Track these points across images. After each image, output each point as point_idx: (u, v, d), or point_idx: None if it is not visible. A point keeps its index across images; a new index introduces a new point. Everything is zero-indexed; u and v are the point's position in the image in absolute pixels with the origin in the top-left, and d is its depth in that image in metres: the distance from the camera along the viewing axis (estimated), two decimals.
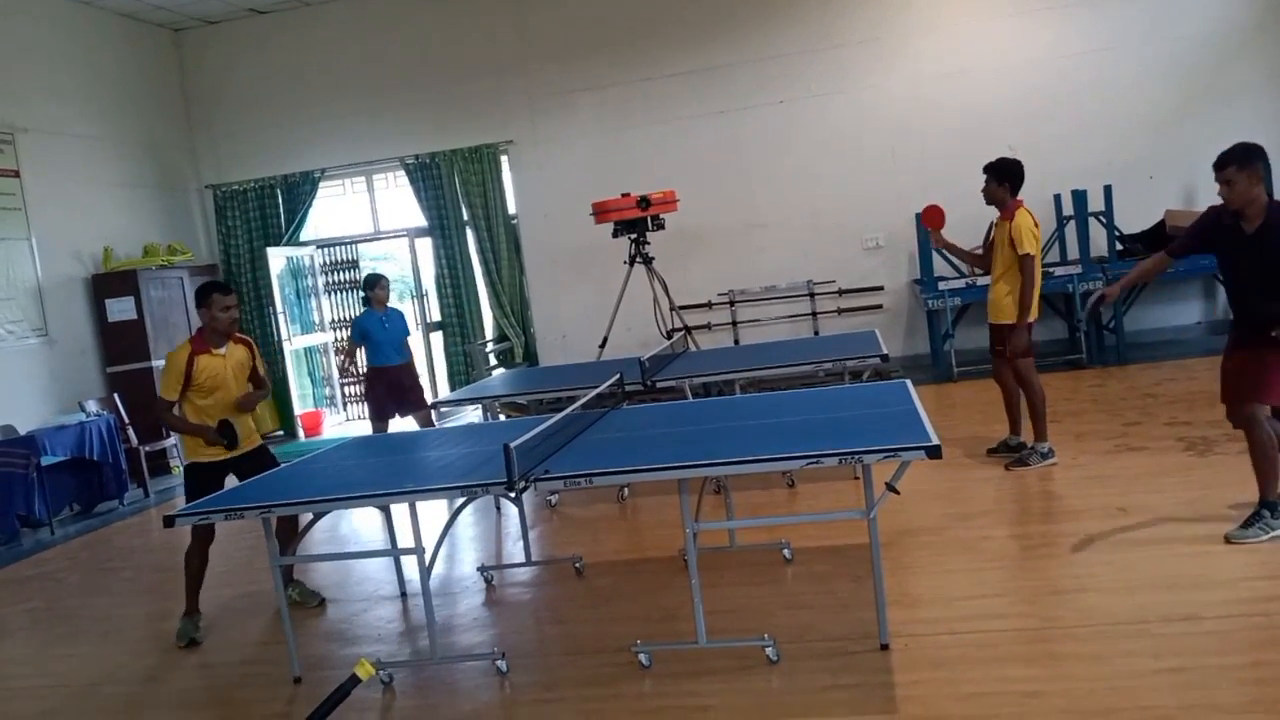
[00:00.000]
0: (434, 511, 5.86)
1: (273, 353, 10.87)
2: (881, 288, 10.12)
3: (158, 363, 9.29)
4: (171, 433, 9.03)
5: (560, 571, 5.07)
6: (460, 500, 4.50)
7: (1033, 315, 5.75)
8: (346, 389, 11.75)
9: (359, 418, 11.63)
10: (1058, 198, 9.37)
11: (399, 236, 11.51)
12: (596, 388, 4.95)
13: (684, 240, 10.06)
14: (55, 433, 7.92)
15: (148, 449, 8.87)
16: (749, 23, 10.10)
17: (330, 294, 11.64)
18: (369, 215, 11.50)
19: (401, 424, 7.70)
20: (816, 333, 10.05)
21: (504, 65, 10.61)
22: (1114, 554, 4.27)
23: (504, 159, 10.74)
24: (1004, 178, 5.74)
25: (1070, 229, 9.32)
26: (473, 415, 8.06)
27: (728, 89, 10.20)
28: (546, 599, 4.81)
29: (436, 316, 11.14)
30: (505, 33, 10.60)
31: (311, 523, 4.68)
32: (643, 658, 3.74)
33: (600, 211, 8.82)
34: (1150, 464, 5.56)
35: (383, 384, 7.44)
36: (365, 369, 7.83)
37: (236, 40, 11.15)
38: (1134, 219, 9.30)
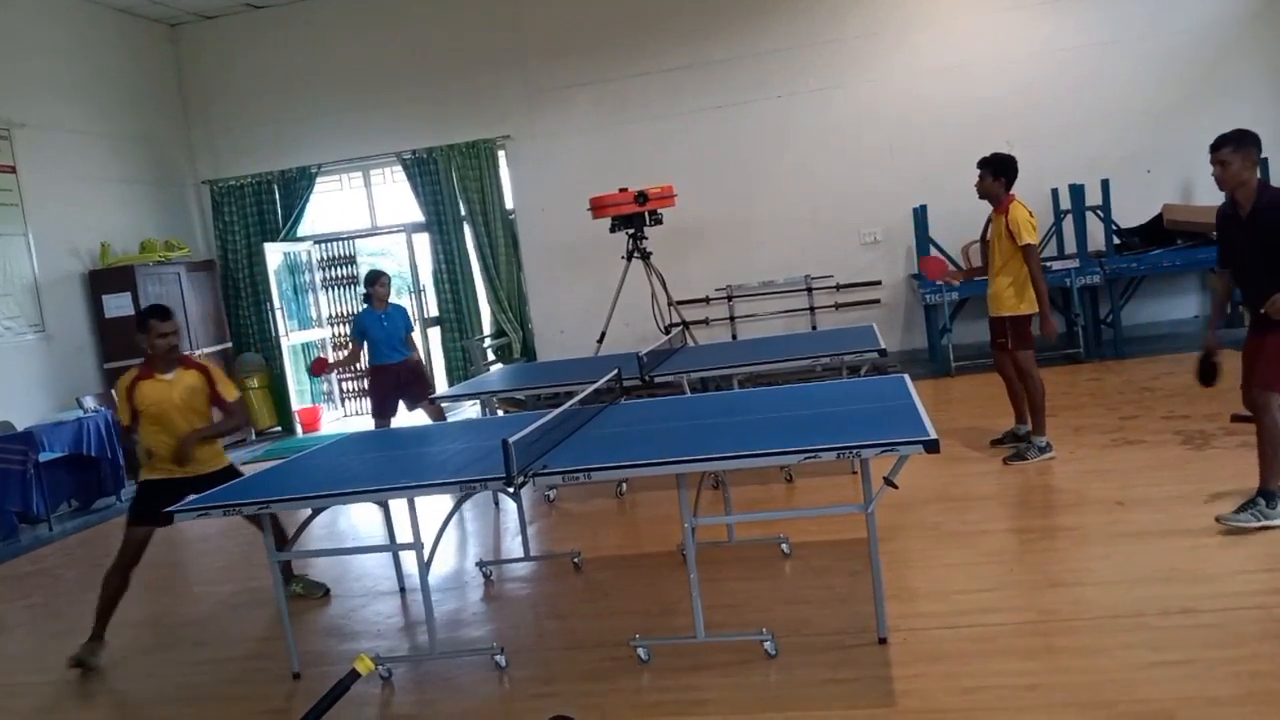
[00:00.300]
0: (433, 507, 5.86)
1: (271, 348, 10.88)
2: (879, 282, 10.12)
3: None
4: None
5: (559, 566, 5.07)
6: (459, 495, 4.50)
7: (1033, 307, 5.76)
8: (344, 384, 11.75)
9: (357, 413, 11.64)
10: (1055, 192, 9.37)
11: (396, 232, 11.50)
12: (595, 383, 4.95)
13: (682, 235, 10.06)
14: (53, 429, 7.91)
15: None
16: (747, 17, 10.09)
17: (328, 289, 11.63)
18: (366, 210, 11.48)
19: (408, 419, 7.68)
20: (814, 328, 10.05)
21: (502, 60, 10.59)
22: (1112, 547, 4.28)
23: (501, 154, 10.72)
24: (1000, 172, 5.76)
25: (1068, 223, 9.31)
26: (471, 411, 8.06)
27: (726, 84, 10.18)
28: (545, 594, 4.82)
29: (434, 312, 11.13)
30: (503, 27, 10.58)
31: (310, 518, 4.69)
32: (641, 652, 3.75)
33: (598, 207, 8.81)
34: (1148, 457, 5.58)
35: (383, 382, 7.42)
36: (367, 367, 7.78)
37: (233, 35, 11.12)
38: (1132, 213, 9.30)
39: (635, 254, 8.94)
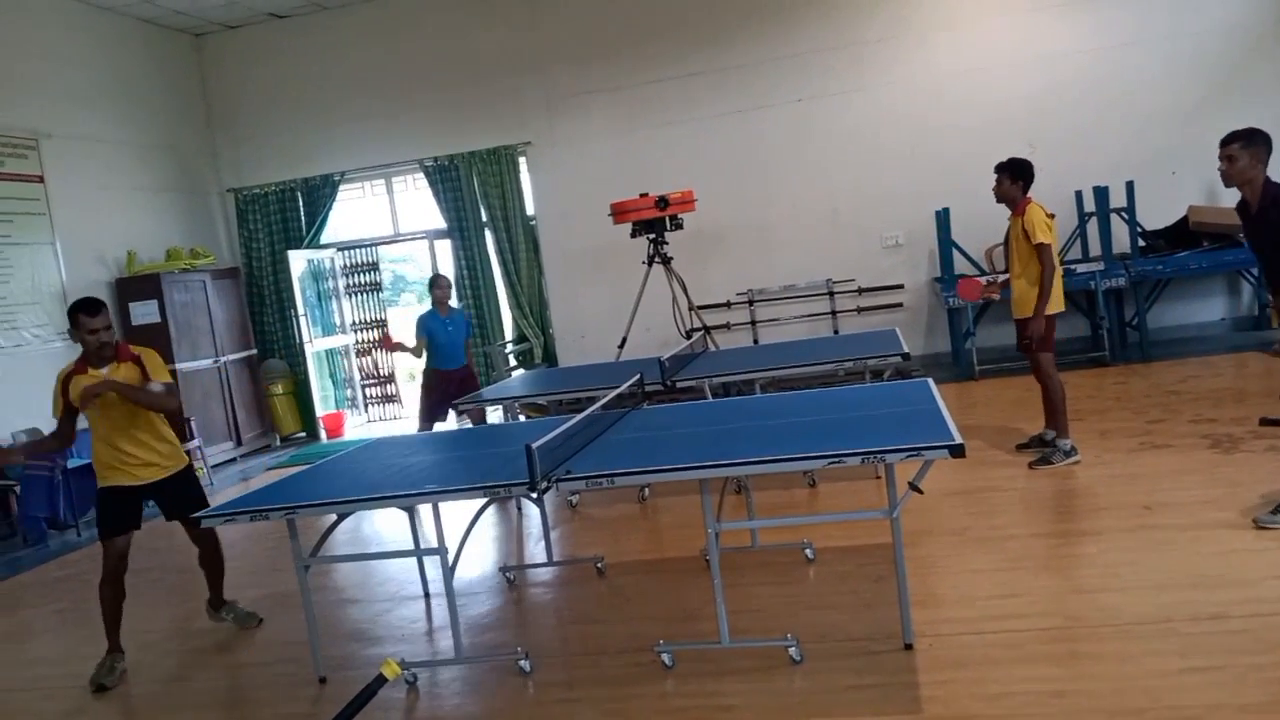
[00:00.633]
0: (456, 512, 5.88)
1: (295, 355, 10.96)
2: (901, 286, 10.08)
3: (181, 365, 9.38)
4: (194, 435, 9.12)
5: (582, 572, 5.08)
6: (483, 501, 4.52)
7: (1057, 307, 5.74)
8: (367, 390, 11.81)
9: (381, 419, 11.70)
10: (1079, 194, 9.30)
11: (418, 238, 11.57)
12: (616, 388, 4.96)
13: (702, 240, 10.06)
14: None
15: None
16: (766, 21, 10.08)
17: (351, 296, 11.71)
18: (389, 217, 11.55)
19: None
20: (836, 331, 10.02)
21: (521, 67, 10.63)
22: (1139, 553, 4.24)
23: (522, 160, 10.77)
24: (1017, 175, 5.78)
25: (1092, 225, 9.25)
26: (493, 416, 8.08)
27: (745, 88, 10.18)
28: (568, 599, 4.82)
29: None
30: (522, 34, 10.62)
31: (335, 524, 4.71)
32: (665, 658, 3.75)
33: (619, 212, 8.83)
34: (1175, 462, 5.52)
35: (435, 388, 7.45)
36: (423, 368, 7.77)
37: (256, 45, 11.23)
38: (1157, 215, 9.22)
39: (656, 259, 8.95)
